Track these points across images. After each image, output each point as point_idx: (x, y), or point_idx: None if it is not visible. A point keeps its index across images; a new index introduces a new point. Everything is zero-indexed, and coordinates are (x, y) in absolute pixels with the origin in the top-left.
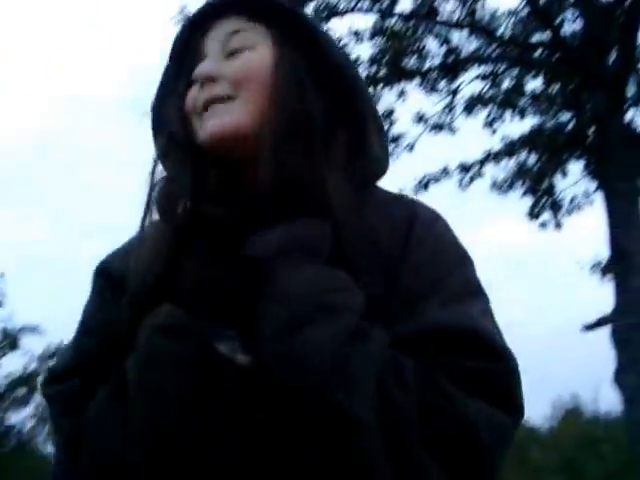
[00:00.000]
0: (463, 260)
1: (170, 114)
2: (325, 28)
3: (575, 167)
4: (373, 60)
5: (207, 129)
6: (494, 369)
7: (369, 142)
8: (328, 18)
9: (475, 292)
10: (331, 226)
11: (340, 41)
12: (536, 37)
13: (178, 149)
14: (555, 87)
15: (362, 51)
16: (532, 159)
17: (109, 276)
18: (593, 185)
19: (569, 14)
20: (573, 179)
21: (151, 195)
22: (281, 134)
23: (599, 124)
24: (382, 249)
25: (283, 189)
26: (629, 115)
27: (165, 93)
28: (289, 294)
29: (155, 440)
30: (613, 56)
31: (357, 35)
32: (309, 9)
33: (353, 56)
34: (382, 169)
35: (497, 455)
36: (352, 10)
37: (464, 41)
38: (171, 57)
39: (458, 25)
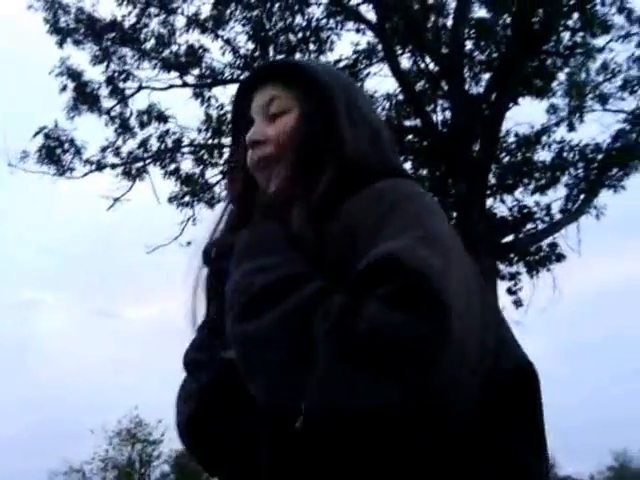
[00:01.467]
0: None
1: (236, 175)
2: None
3: None
4: None
5: (269, 189)
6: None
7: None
8: (211, 86)
9: (410, 225)
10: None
11: (222, 108)
12: (409, 122)
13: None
14: (423, 171)
15: None
16: None
17: None
18: None
19: (441, 103)
20: None
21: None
22: (292, 166)
23: (461, 210)
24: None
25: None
26: (489, 202)
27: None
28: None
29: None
30: (477, 146)
31: None
32: (194, 73)
33: None
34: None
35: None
36: (236, 80)
37: None
38: (231, 125)
39: None
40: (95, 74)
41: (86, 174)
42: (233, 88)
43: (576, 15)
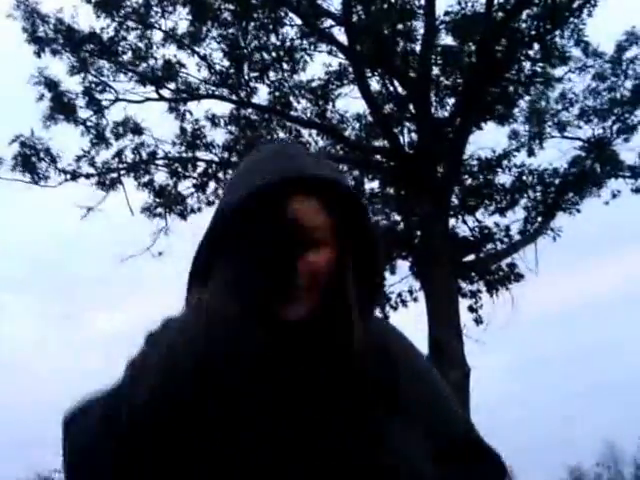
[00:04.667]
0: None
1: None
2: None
3: (403, 265)
4: (226, 147)
5: (292, 314)
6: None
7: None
8: (186, 101)
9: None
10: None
11: (197, 122)
12: (377, 143)
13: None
14: (390, 190)
15: (217, 136)
16: None
17: None
18: (417, 284)
19: (408, 126)
20: (400, 276)
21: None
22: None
23: (424, 229)
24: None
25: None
26: (452, 222)
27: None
28: None
29: None
30: (441, 168)
31: (214, 120)
32: (170, 87)
33: (208, 139)
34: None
35: None
36: (211, 96)
37: (313, 138)
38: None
39: (309, 123)
40: (72, 84)
41: (61, 183)
42: (208, 103)
43: (536, 45)
